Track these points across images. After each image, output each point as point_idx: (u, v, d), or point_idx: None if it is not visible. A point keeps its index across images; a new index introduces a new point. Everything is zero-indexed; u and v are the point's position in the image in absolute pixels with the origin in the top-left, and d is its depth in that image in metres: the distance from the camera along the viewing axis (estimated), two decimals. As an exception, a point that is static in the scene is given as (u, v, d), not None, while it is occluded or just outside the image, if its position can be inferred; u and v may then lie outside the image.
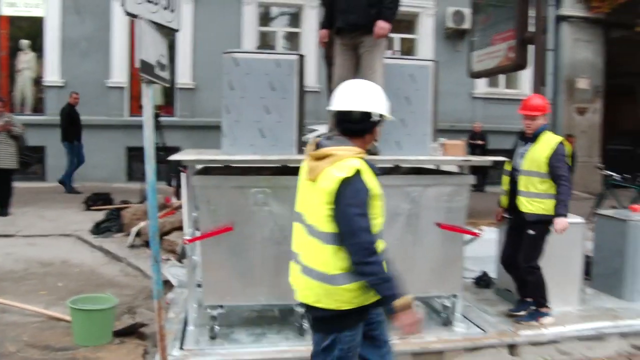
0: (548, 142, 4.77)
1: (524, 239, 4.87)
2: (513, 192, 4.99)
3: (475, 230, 4.84)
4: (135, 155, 13.87)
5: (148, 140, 3.83)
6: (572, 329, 4.94)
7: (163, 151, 10.40)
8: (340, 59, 4.89)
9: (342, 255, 2.63)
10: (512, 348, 4.68)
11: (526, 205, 4.80)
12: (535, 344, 4.72)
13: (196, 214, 4.54)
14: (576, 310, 5.39)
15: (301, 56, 4.70)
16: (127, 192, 11.21)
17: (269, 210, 4.37)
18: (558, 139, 4.81)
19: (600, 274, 6.11)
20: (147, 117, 3.81)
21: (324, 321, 2.74)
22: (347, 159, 2.62)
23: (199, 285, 4.77)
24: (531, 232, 4.82)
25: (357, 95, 2.75)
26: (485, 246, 6.75)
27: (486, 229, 5.91)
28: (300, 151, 4.72)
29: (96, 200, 9.81)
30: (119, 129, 13.72)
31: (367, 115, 2.73)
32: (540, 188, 4.76)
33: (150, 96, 3.82)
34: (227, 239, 4.32)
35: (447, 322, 4.87)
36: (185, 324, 4.67)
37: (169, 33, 4.04)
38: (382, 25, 4.57)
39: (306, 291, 2.74)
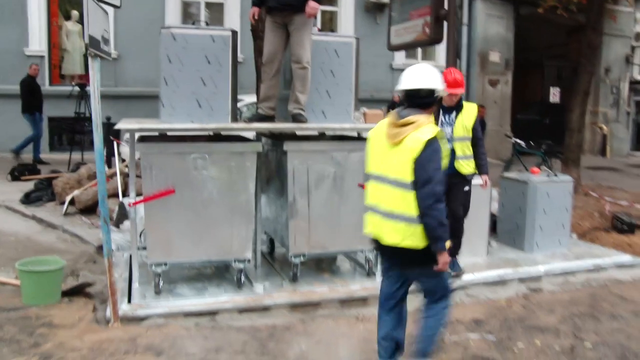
0: (472, 110, 5.43)
1: (458, 197, 5.38)
2: None
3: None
4: (56, 125, 13.70)
5: (95, 111, 4.12)
6: (479, 276, 5.62)
7: (90, 121, 10.45)
8: (270, 35, 5.24)
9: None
10: (426, 293, 5.30)
11: (465, 167, 5.37)
12: (446, 289, 5.36)
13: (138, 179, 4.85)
14: (483, 261, 6.09)
15: (234, 32, 5.04)
16: (51, 162, 11.18)
17: (207, 174, 4.76)
18: (476, 106, 5.48)
19: (504, 229, 6.86)
20: (94, 89, 4.10)
21: (417, 255, 3.27)
22: (426, 126, 3.26)
23: (143, 248, 5.12)
24: (467, 188, 5.47)
25: (424, 76, 3.37)
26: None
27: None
28: (234, 119, 5.11)
29: (22, 171, 9.78)
30: (40, 99, 13.46)
31: (432, 91, 3.35)
32: (470, 151, 5.41)
33: (96, 69, 4.10)
34: (169, 201, 4.67)
35: (370, 273, 5.42)
36: (130, 282, 4.99)
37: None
38: (313, 6, 5.02)
39: (392, 233, 3.28)
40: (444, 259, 3.23)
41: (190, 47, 4.85)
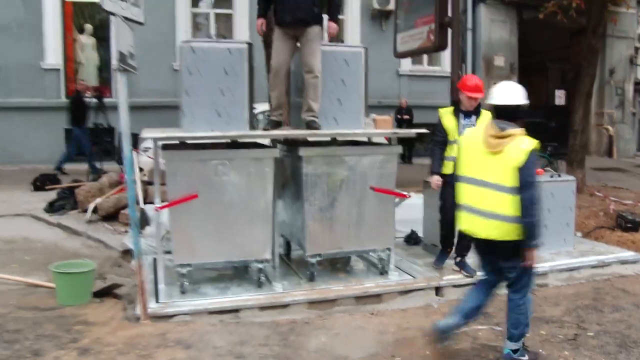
0: (488, 115, 5.55)
1: None
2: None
3: (404, 193, 5.66)
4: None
5: (124, 122, 4.43)
6: (485, 272, 5.87)
7: (108, 132, 10.82)
8: (281, 45, 5.50)
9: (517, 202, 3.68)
10: (437, 290, 5.57)
11: None
12: (456, 285, 5.61)
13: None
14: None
15: (250, 44, 5.34)
16: (69, 172, 11.52)
17: (228, 179, 5.05)
18: (489, 112, 5.65)
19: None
20: (122, 101, 4.40)
21: (510, 249, 3.78)
22: (523, 137, 3.75)
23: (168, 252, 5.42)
24: None
25: (512, 93, 3.91)
26: (413, 210, 7.69)
27: (413, 195, 6.75)
28: (251, 127, 5.40)
29: (44, 180, 10.13)
30: (56, 110, 13.82)
31: (519, 106, 3.87)
32: None
33: (124, 82, 4.41)
34: (193, 206, 4.97)
35: (383, 272, 5.69)
36: (156, 283, 5.27)
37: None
38: (334, 26, 5.55)
39: (491, 230, 3.78)
40: (532, 255, 3.74)
41: (208, 59, 5.15)
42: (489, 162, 3.79)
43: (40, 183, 10.08)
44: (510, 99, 3.88)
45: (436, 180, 5.59)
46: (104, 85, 14.49)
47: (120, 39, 4.25)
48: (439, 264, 5.88)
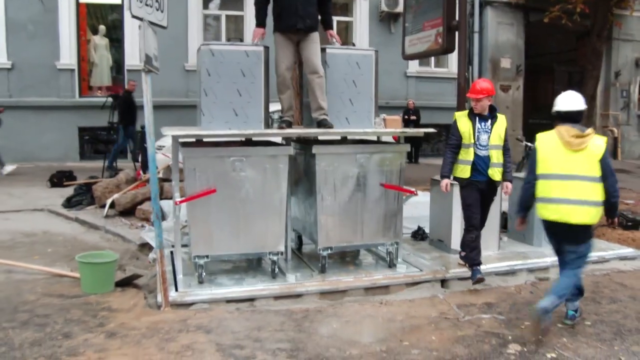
0: (503, 119, 5.80)
1: (490, 205, 5.91)
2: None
3: (412, 189, 5.91)
4: (86, 135, 14.39)
5: (148, 120, 4.70)
6: (491, 266, 6.10)
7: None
8: (286, 51, 5.75)
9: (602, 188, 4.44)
10: (443, 282, 5.81)
11: (498, 174, 5.65)
12: (462, 278, 5.85)
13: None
14: (495, 254, 6.57)
15: (266, 47, 5.60)
16: (82, 170, 11.80)
17: (244, 175, 5.31)
18: (504, 116, 5.87)
19: (514, 226, 7.32)
20: (146, 101, 4.66)
21: (589, 232, 4.61)
22: (596, 135, 4.52)
23: (185, 245, 5.68)
24: (494, 197, 5.94)
25: (575, 100, 4.63)
26: (420, 208, 7.96)
27: (420, 194, 6.98)
28: (267, 126, 5.66)
29: (61, 177, 10.43)
30: (71, 109, 14.18)
31: (582, 111, 4.64)
32: (502, 159, 5.75)
33: (149, 83, 4.67)
34: (210, 200, 5.23)
35: (391, 265, 5.93)
36: (174, 274, 5.54)
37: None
38: (333, 33, 5.99)
39: (583, 216, 4.43)
40: (615, 222, 5.11)
41: (227, 61, 5.40)
42: (574, 159, 4.48)
43: (57, 179, 10.38)
44: (574, 106, 4.61)
45: (446, 184, 5.68)
46: (117, 85, 14.79)
47: (146, 42, 4.52)
48: (477, 275, 5.63)
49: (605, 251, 6.79)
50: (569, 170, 4.48)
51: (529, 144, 12.64)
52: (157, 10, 4.76)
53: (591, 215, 4.43)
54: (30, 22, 13.92)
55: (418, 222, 7.50)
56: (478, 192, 5.67)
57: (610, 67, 19.08)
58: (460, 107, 8.92)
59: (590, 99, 10.96)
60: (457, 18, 8.89)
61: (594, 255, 6.57)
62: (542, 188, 4.59)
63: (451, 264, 6.07)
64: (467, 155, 5.63)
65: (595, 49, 10.79)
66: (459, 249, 6.29)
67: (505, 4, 17.19)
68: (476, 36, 17.41)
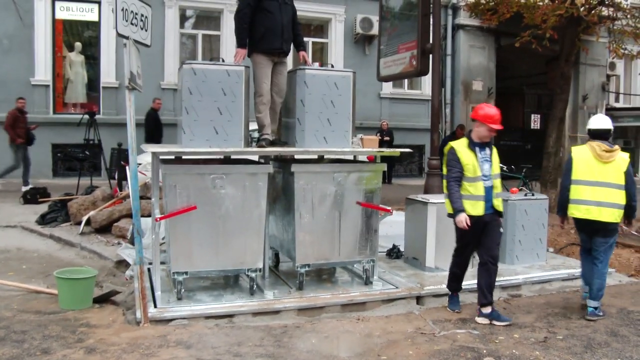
0: (494, 149, 5.53)
1: (497, 236, 5.35)
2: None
3: (388, 208, 6.03)
4: (59, 152, 14.26)
5: (131, 137, 4.75)
6: (464, 284, 6.21)
7: (99, 147, 11.06)
8: (267, 71, 5.94)
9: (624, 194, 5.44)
10: (419, 299, 5.93)
11: (501, 205, 5.41)
12: (436, 295, 5.98)
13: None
14: (469, 272, 6.66)
15: (247, 67, 5.71)
16: (55, 187, 11.71)
17: (224, 192, 5.38)
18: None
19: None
20: (130, 117, 4.73)
21: (613, 229, 5.48)
22: (621, 150, 5.53)
23: (163, 262, 5.71)
24: (502, 229, 5.48)
25: (606, 121, 5.64)
26: (395, 226, 8.10)
27: (395, 213, 7.10)
28: (247, 145, 5.75)
29: (34, 194, 10.32)
30: (45, 126, 14.00)
31: (610, 130, 5.61)
32: (500, 188, 5.51)
33: (132, 100, 4.74)
34: (190, 217, 5.28)
35: (367, 282, 6.03)
36: (152, 290, 5.55)
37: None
38: (305, 55, 6.27)
39: (609, 216, 5.38)
40: (633, 223, 6.04)
41: (208, 80, 5.50)
42: (604, 169, 5.43)
43: (31, 196, 10.27)
44: (604, 125, 5.58)
45: (464, 218, 5.12)
46: (92, 102, 14.74)
47: (132, 60, 4.60)
48: (455, 307, 5.61)
49: (575, 269, 6.96)
50: (600, 177, 5.43)
51: (500, 165, 12.97)
52: (142, 29, 4.85)
53: (616, 215, 5.39)
54: (6, 36, 13.82)
55: (393, 240, 7.64)
56: (475, 227, 5.23)
57: (578, 91, 19.63)
58: (434, 129, 9.17)
59: (559, 122, 11.30)
60: (431, 41, 9.17)
61: (564, 272, 6.81)
62: (576, 192, 5.51)
63: (426, 281, 6.19)
64: (476, 190, 5.22)
65: (564, 73, 11.15)
66: (433, 266, 6.45)
67: (477, 28, 17.63)
68: (449, 59, 17.80)
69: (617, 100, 21.89)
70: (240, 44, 5.91)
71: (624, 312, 5.64)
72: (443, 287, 6.03)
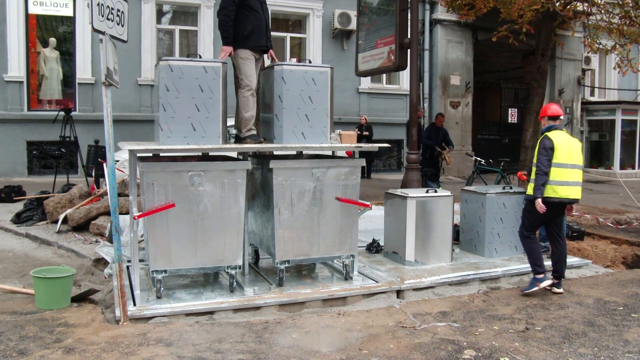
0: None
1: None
2: None
3: (367, 203, 6.05)
4: (35, 149, 14.07)
5: (108, 133, 4.69)
6: (444, 277, 6.29)
7: (75, 144, 10.91)
8: (255, 66, 6.05)
9: None
10: (399, 293, 5.95)
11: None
12: (417, 289, 6.02)
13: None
14: (448, 265, 6.77)
15: (224, 63, 5.67)
16: (31, 185, 11.54)
17: (203, 189, 5.35)
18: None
19: (466, 238, 7.58)
20: (107, 114, 4.67)
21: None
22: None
23: (142, 260, 5.65)
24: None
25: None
26: (374, 221, 8.15)
27: (374, 207, 7.11)
28: (224, 141, 5.71)
29: (9, 192, 10.16)
30: (18, 123, 13.86)
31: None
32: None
33: (109, 96, 4.68)
34: (169, 215, 5.24)
35: (347, 277, 6.05)
36: (132, 289, 5.50)
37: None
38: (272, 53, 6.38)
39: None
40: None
41: (185, 77, 5.44)
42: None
43: (5, 195, 10.11)
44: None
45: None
46: (68, 99, 14.55)
47: (108, 56, 4.53)
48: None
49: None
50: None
51: (478, 158, 13.10)
52: (118, 24, 4.78)
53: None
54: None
55: (373, 235, 7.67)
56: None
57: (554, 85, 19.87)
58: (412, 123, 9.20)
59: (535, 115, 11.39)
60: (409, 36, 9.19)
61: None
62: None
63: (406, 275, 6.23)
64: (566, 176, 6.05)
65: (540, 67, 11.26)
66: (413, 260, 6.49)
67: (454, 22, 17.73)
68: (426, 54, 17.89)
69: (592, 94, 22.19)
70: (225, 41, 5.94)
71: (601, 302, 5.72)
72: (423, 281, 6.09)
